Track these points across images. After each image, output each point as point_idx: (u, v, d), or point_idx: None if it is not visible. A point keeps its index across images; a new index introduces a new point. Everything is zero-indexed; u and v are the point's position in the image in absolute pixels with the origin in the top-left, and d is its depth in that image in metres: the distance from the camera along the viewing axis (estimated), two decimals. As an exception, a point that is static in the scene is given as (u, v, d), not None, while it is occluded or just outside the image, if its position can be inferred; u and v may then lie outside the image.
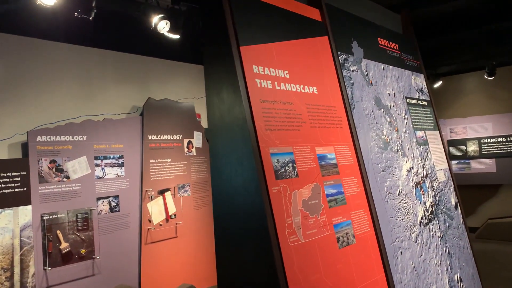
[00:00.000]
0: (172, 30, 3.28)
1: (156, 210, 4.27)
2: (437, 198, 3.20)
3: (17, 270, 3.24)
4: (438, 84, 7.47)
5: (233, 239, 1.91)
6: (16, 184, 3.30)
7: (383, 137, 2.81)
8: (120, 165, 4.04)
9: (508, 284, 4.75)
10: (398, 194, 2.75)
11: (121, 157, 4.05)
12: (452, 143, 7.94)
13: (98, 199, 3.84)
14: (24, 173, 3.36)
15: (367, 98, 2.80)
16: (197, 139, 4.79)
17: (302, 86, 2.25)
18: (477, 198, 7.69)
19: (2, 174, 3.23)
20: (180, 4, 3.25)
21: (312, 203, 2.04)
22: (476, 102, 7.76)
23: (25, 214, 3.33)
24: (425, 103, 3.60)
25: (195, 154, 4.75)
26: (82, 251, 3.65)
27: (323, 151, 2.24)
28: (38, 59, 3.70)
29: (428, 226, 2.93)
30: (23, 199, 3.33)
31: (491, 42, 5.86)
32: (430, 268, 2.77)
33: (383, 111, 2.93)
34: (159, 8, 3.16)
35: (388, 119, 2.96)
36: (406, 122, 3.19)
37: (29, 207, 3.36)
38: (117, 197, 3.98)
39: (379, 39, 3.24)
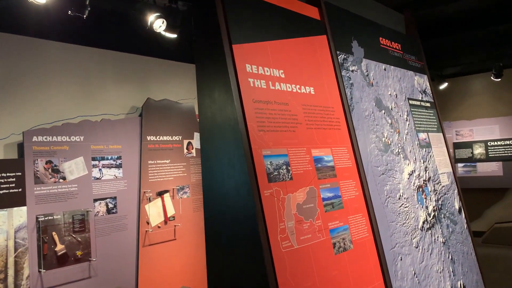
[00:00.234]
0: (169, 29, 3.22)
1: (154, 212, 4.21)
2: (440, 202, 3.11)
3: (11, 272, 3.20)
4: (443, 86, 7.35)
5: (224, 243, 1.84)
6: (11, 185, 3.26)
7: (383, 139, 2.73)
8: (118, 166, 3.99)
9: (514, 290, 4.64)
10: (399, 198, 2.67)
11: (119, 158, 4.01)
12: (458, 145, 7.81)
13: (95, 200, 3.79)
14: (20, 173, 3.32)
15: (367, 99, 2.73)
16: (197, 140, 4.73)
17: (298, 86, 2.19)
18: (484, 202, 7.55)
19: (-3, 175, 3.20)
20: (177, 2, 3.19)
21: (307, 207, 1.97)
22: (482, 104, 7.63)
23: (20, 215, 3.29)
24: (428, 104, 3.51)
25: (195, 155, 4.69)
26: (78, 253, 3.60)
27: (320, 153, 2.17)
28: (35, 58, 3.67)
29: (430, 231, 2.84)
30: (18, 200, 3.29)
31: (498, 43, 5.76)
32: (431, 275, 2.68)
33: (384, 113, 2.85)
34: (156, 7, 3.10)
35: (389, 121, 2.87)
36: (408, 124, 3.10)
37: (24, 208, 3.32)
38: (114, 198, 3.93)
39: (380, 38, 3.16)
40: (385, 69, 3.06)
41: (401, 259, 2.45)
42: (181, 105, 4.65)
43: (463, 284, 2.99)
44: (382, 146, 2.69)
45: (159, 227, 4.25)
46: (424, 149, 3.18)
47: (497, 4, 4.64)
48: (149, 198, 4.18)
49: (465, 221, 3.39)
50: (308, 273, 1.83)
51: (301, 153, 2.05)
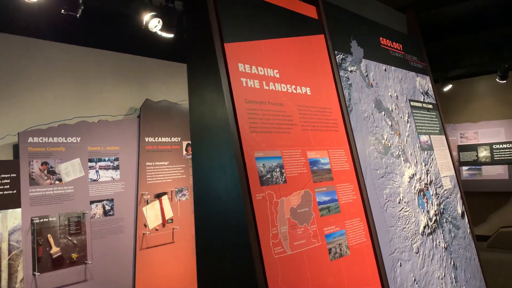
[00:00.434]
0: (165, 29, 3.17)
1: (152, 214, 4.16)
2: (441, 206, 3.03)
3: (4, 275, 3.15)
4: (448, 88, 7.26)
5: (214, 250, 1.78)
6: (5, 187, 3.22)
7: (383, 141, 2.66)
8: (115, 168, 3.94)
9: (520, 297, 4.53)
10: (399, 202, 2.59)
11: (117, 159, 3.96)
12: (462, 148, 7.70)
13: (92, 202, 3.75)
14: (14, 175, 3.28)
15: (367, 100, 2.65)
16: (196, 142, 4.67)
17: (293, 87, 2.12)
18: (489, 205, 7.43)
19: (-9, 176, 3.17)
20: (174, 2, 3.14)
21: (301, 211, 1.90)
22: (487, 106, 7.52)
23: (14, 217, 3.24)
24: (430, 106, 3.43)
25: (194, 157, 4.63)
26: (74, 256, 3.55)
27: (316, 156, 2.10)
28: (30, 58, 3.63)
29: (431, 236, 2.76)
30: (12, 201, 3.25)
31: (503, 45, 5.67)
32: (432, 281, 2.60)
33: (384, 114, 2.78)
34: (152, 6, 3.05)
35: (389, 123, 2.80)
36: (409, 126, 3.03)
37: (18, 210, 3.28)
38: (111, 200, 3.88)
39: (381, 38, 3.09)
40: (385, 70, 2.99)
41: (400, 265, 2.37)
42: (180, 106, 4.60)
43: (465, 291, 2.90)
44: (381, 148, 2.61)
45: (156, 229, 4.19)
46: (425, 152, 3.10)
47: (502, 5, 4.56)
48: (147, 200, 4.13)
49: (468, 225, 3.30)
50: (302, 280, 1.76)
51: (296, 155, 1.98)
